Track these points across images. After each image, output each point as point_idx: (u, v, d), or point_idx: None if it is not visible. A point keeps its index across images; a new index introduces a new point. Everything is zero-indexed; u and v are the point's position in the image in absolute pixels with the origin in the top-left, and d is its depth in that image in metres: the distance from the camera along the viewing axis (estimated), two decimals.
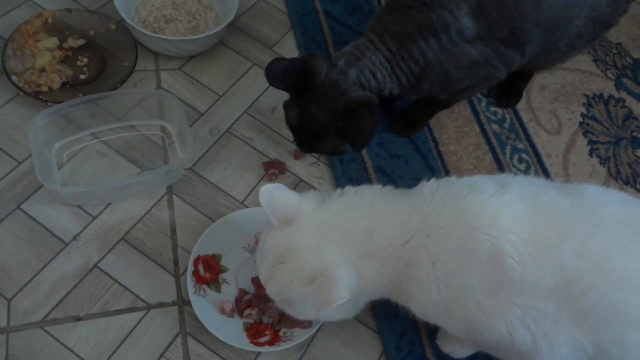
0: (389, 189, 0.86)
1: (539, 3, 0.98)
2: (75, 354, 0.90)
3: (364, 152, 1.20)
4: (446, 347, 0.98)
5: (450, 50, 1.00)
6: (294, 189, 1.13)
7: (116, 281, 0.98)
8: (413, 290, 0.78)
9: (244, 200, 1.11)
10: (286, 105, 1.06)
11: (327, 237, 0.79)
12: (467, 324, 0.77)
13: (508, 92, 1.35)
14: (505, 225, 0.72)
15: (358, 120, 0.99)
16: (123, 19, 1.22)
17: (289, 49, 1.36)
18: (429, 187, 0.80)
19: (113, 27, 1.27)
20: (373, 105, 1.01)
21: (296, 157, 1.18)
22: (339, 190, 0.85)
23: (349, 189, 0.85)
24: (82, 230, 1.02)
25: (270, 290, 0.84)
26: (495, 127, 1.32)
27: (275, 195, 0.81)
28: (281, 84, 1.02)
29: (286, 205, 0.81)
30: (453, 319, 0.79)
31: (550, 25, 1.02)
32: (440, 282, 0.75)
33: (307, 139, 1.07)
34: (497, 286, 0.72)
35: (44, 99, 1.12)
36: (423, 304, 0.79)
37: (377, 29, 1.04)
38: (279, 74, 1.00)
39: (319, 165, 1.18)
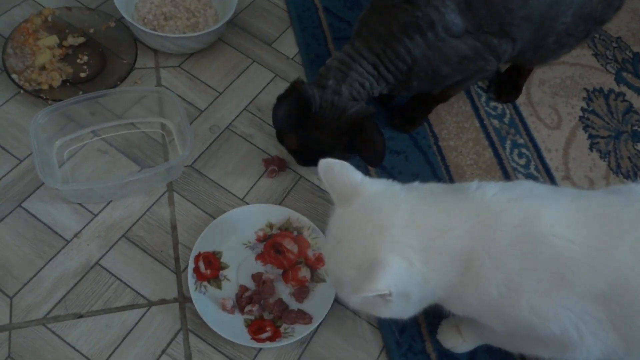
0: (451, 186, 0.82)
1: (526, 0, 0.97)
2: (77, 351, 0.91)
3: None
4: (447, 343, 0.99)
5: (437, 46, 0.99)
6: (295, 185, 1.14)
7: (117, 278, 0.98)
8: (467, 292, 0.76)
9: (244, 197, 1.11)
10: (280, 133, 1.07)
11: (387, 224, 0.75)
12: (516, 323, 0.77)
13: (508, 87, 1.35)
14: (565, 230, 0.72)
15: (366, 133, 1.00)
16: (122, 17, 1.22)
17: (289, 46, 1.36)
18: (490, 190, 0.77)
19: (113, 24, 1.27)
20: (372, 115, 1.01)
21: (269, 175, 1.15)
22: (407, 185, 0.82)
23: (416, 183, 0.81)
24: (83, 227, 1.03)
25: (327, 268, 0.82)
26: (495, 122, 1.32)
27: (335, 170, 0.78)
28: (290, 128, 1.03)
29: (345, 182, 0.78)
30: (501, 318, 0.78)
31: (538, 22, 1.01)
32: (501, 285, 0.73)
33: (310, 159, 1.06)
34: (554, 289, 0.72)
35: (45, 97, 1.13)
36: (475, 305, 0.78)
37: (363, 32, 1.04)
38: (285, 121, 1.01)
39: None
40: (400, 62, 1.01)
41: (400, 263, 0.72)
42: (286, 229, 1.06)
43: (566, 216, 0.73)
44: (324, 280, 1.01)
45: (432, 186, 0.80)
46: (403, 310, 0.79)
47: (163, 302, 0.97)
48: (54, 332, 0.92)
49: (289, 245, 1.05)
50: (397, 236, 0.73)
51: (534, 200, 0.75)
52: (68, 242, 1.01)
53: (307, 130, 1.02)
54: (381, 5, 1.03)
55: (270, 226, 1.06)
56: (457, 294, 0.77)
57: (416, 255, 0.73)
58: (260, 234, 1.06)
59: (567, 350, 0.77)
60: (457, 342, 0.97)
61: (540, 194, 0.77)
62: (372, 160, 1.05)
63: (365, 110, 1.02)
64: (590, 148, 1.32)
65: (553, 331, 0.74)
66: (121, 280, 0.98)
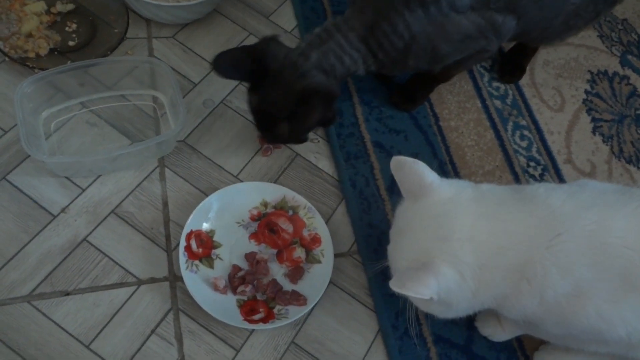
0: (519, 193, 0.80)
1: None
2: (64, 330, 0.88)
3: (363, 126, 1.16)
4: (485, 330, 0.97)
5: (440, 21, 0.94)
6: (291, 163, 1.10)
7: (106, 255, 0.95)
8: (526, 301, 0.75)
9: (238, 174, 1.08)
10: (249, 90, 1.00)
11: (448, 235, 0.75)
12: (581, 328, 0.76)
13: (511, 67, 1.31)
14: (636, 241, 0.72)
15: (307, 109, 0.95)
16: None
17: (287, 19, 1.31)
18: (558, 199, 0.76)
19: None
20: (331, 95, 0.96)
21: (263, 154, 1.11)
22: (478, 185, 0.82)
23: (485, 187, 0.81)
24: (71, 202, 0.99)
25: (389, 257, 0.83)
26: (498, 102, 1.28)
27: (406, 167, 0.80)
28: (234, 74, 0.98)
29: (415, 181, 0.79)
30: (564, 324, 0.77)
31: (547, 1, 0.97)
32: (568, 295, 0.73)
33: (264, 123, 1.02)
34: (622, 295, 0.72)
35: (31, 66, 1.08)
36: (535, 312, 0.77)
37: (358, 2, 0.98)
38: (228, 65, 0.95)
39: (318, 141, 1.15)
40: (396, 37, 0.95)
41: (453, 276, 0.73)
42: (281, 207, 1.03)
43: (636, 223, 0.73)
44: (319, 262, 0.99)
45: (501, 194, 0.80)
46: (440, 312, 0.81)
47: (153, 280, 0.94)
48: (39, 310, 0.89)
49: (284, 224, 1.02)
50: (455, 249, 0.74)
51: (603, 208, 0.75)
52: (55, 217, 0.97)
53: (265, 87, 0.96)
54: None
55: (265, 205, 1.03)
56: (512, 303, 0.77)
57: (470, 272, 0.74)
58: (255, 212, 1.02)
59: (633, 348, 0.78)
60: (495, 330, 0.96)
61: (608, 200, 0.76)
62: (290, 133, 1.00)
63: (323, 87, 0.95)
64: (593, 132, 1.29)
65: (620, 334, 0.74)
66: (110, 258, 0.95)
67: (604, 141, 1.29)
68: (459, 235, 0.75)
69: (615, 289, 0.72)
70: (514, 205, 0.78)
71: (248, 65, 0.95)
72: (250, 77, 0.97)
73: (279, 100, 0.96)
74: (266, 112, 0.99)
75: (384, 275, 0.88)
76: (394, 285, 0.73)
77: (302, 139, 1.07)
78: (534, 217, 0.76)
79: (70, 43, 1.15)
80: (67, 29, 1.16)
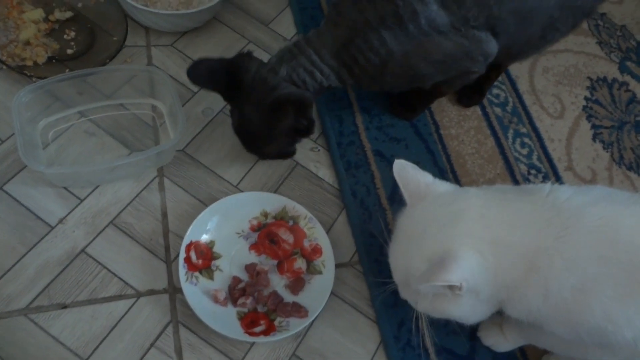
0: (521, 187, 0.84)
1: None
2: (61, 344, 0.86)
3: (363, 135, 1.16)
4: (488, 340, 0.96)
5: (420, 40, 0.92)
6: (291, 173, 1.10)
7: (104, 267, 0.94)
8: (533, 294, 0.75)
9: (238, 184, 1.07)
10: (231, 111, 1.01)
11: (459, 217, 0.76)
12: (586, 329, 0.75)
13: (470, 91, 1.25)
14: None
15: (278, 116, 0.95)
16: None
17: (286, 27, 1.30)
18: (564, 194, 0.77)
19: None
20: (302, 102, 0.95)
21: None
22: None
23: (484, 186, 0.84)
24: (69, 213, 0.98)
25: (395, 266, 0.83)
26: (498, 110, 1.28)
27: (408, 169, 0.83)
28: (207, 83, 0.98)
29: (419, 182, 0.82)
30: (569, 324, 0.76)
31: (526, 15, 0.94)
32: (574, 288, 0.72)
33: (248, 142, 1.03)
34: (628, 294, 0.71)
35: (29, 74, 1.07)
36: (541, 309, 0.76)
37: (332, 16, 0.97)
38: (203, 73, 0.95)
39: (319, 150, 1.14)
40: (372, 53, 0.94)
41: (473, 256, 0.74)
42: (281, 218, 1.02)
43: None
44: (320, 272, 0.98)
45: (502, 187, 0.84)
46: (471, 309, 0.79)
47: (152, 292, 0.93)
48: (36, 323, 0.87)
49: (285, 235, 1.01)
50: (469, 228, 0.75)
51: (611, 204, 0.75)
52: (52, 228, 0.96)
53: (240, 104, 0.97)
54: None
55: (265, 215, 1.02)
56: (520, 296, 0.76)
57: (487, 248, 0.74)
58: (255, 223, 1.01)
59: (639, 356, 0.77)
60: (498, 340, 0.95)
61: (617, 199, 0.77)
62: (262, 142, 1.01)
63: (295, 95, 0.95)
64: (594, 138, 1.29)
65: (626, 337, 0.72)
66: (108, 269, 0.94)
67: (604, 148, 1.28)
68: (471, 215, 0.76)
69: (621, 286, 0.71)
70: (518, 194, 0.80)
71: (223, 77, 0.96)
72: (224, 89, 0.98)
73: (254, 117, 0.96)
74: (247, 131, 1.00)
75: (386, 285, 0.87)
76: (421, 280, 0.74)
77: (288, 152, 1.07)
78: (539, 207, 0.77)
79: (69, 51, 1.14)
80: (65, 36, 1.15)
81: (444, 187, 0.83)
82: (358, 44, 0.94)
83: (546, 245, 0.73)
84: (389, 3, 0.90)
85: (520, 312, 0.79)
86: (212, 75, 0.96)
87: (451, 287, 0.73)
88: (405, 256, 0.80)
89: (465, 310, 0.79)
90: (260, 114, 0.96)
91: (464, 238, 0.75)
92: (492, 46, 0.96)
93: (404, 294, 0.84)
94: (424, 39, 0.92)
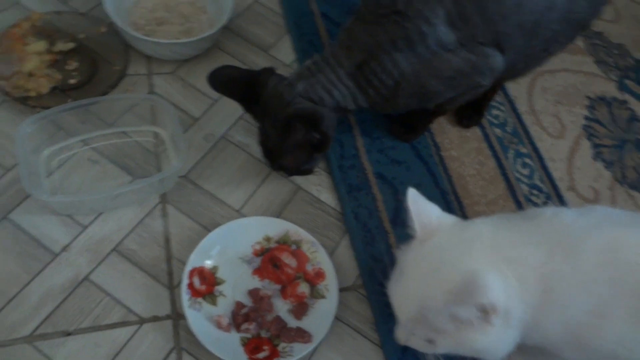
0: (524, 213, 0.83)
1: (520, 5, 0.92)
2: None
3: (364, 158, 1.16)
4: None
5: (429, 59, 0.94)
6: (293, 197, 1.10)
7: (108, 294, 0.94)
8: (550, 316, 0.74)
9: (240, 208, 1.07)
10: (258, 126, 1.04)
11: (473, 245, 0.76)
12: (598, 353, 0.74)
13: (470, 111, 1.26)
14: None
15: (291, 130, 0.95)
16: (113, 22, 1.18)
17: (285, 53, 1.32)
18: (567, 217, 0.77)
19: (104, 30, 1.23)
20: (314, 116, 0.96)
21: None
22: None
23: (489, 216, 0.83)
24: (72, 240, 0.98)
25: (403, 304, 0.78)
26: (498, 131, 1.29)
27: (421, 201, 0.80)
28: (224, 90, 1.00)
29: (430, 213, 0.80)
30: (582, 348, 0.75)
31: (530, 29, 0.96)
32: (588, 312, 0.72)
33: (268, 155, 1.04)
34: (639, 315, 0.71)
35: (32, 105, 1.08)
36: (556, 332, 0.75)
37: (345, 40, 0.99)
38: (223, 80, 0.98)
39: (320, 173, 1.14)
40: (385, 75, 0.96)
41: (497, 275, 0.72)
42: (284, 242, 1.02)
43: None
44: (323, 297, 0.97)
45: (505, 214, 0.83)
46: (500, 338, 0.74)
47: (155, 319, 0.93)
48: (40, 351, 0.87)
49: (287, 259, 1.01)
50: (485, 252, 0.75)
51: (614, 227, 0.75)
52: (56, 255, 0.96)
53: (261, 121, 0.99)
54: (368, 16, 0.97)
55: (268, 239, 1.02)
56: (536, 320, 0.74)
57: (506, 267, 0.73)
58: (258, 247, 1.01)
59: None
60: None
61: (619, 220, 0.77)
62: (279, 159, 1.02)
63: (309, 110, 0.95)
64: (595, 158, 1.29)
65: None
66: (111, 296, 0.94)
67: (606, 167, 1.28)
68: (483, 240, 0.76)
69: (633, 309, 0.71)
70: (522, 219, 0.80)
71: (241, 87, 0.98)
72: (240, 99, 1.00)
73: (271, 131, 0.98)
74: (267, 145, 1.01)
75: (389, 305, 0.86)
76: (450, 305, 0.71)
77: (308, 168, 1.07)
78: (544, 230, 0.77)
79: (71, 81, 1.15)
80: (67, 67, 1.17)
81: (451, 219, 0.82)
82: (372, 67, 0.96)
83: (558, 267, 0.73)
84: (399, 26, 0.92)
85: (535, 336, 0.78)
86: (231, 83, 0.98)
87: (484, 311, 0.69)
88: (419, 291, 0.75)
89: (493, 340, 0.74)
90: (276, 128, 0.97)
91: (482, 261, 0.74)
92: (499, 60, 0.98)
93: (409, 338, 0.79)
94: (433, 57, 0.94)
